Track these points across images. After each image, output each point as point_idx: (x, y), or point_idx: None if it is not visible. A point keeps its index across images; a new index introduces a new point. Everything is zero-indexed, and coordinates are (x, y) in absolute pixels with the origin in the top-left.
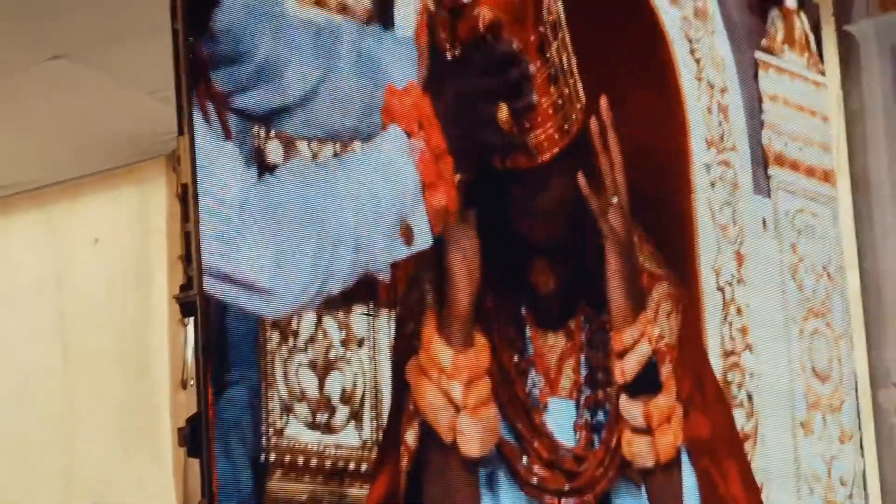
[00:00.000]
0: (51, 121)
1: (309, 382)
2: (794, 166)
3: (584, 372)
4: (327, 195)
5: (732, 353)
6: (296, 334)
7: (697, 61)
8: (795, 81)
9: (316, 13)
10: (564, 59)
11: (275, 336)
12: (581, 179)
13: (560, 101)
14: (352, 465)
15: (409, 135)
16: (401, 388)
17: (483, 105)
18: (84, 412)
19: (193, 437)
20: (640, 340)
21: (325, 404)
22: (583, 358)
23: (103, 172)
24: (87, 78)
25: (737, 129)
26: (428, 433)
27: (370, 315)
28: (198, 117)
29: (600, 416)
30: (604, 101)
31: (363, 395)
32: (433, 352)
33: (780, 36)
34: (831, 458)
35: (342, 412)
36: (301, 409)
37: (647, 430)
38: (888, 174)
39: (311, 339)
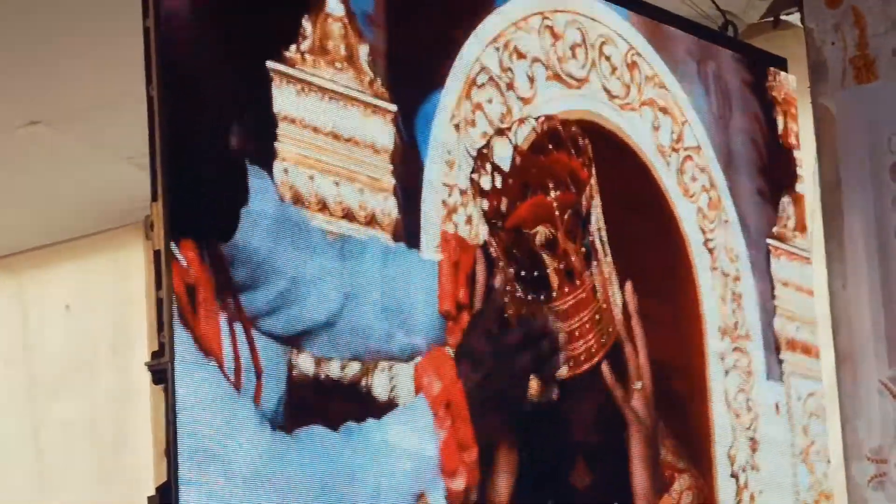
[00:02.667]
0: (25, 186)
1: None
2: (806, 350)
3: None
4: (343, 472)
5: None
6: None
7: (711, 251)
8: (806, 266)
9: (344, 226)
10: (606, 270)
11: None
12: (605, 368)
13: (598, 316)
14: None
15: (435, 415)
16: None
17: (516, 382)
18: (56, 484)
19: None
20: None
21: None
22: None
23: (77, 239)
24: (64, 144)
25: (750, 316)
26: None
27: None
28: (226, 342)
29: None
30: (629, 287)
31: None
32: None
33: (791, 223)
34: None
35: None
36: None
37: None
38: (863, 243)
39: None
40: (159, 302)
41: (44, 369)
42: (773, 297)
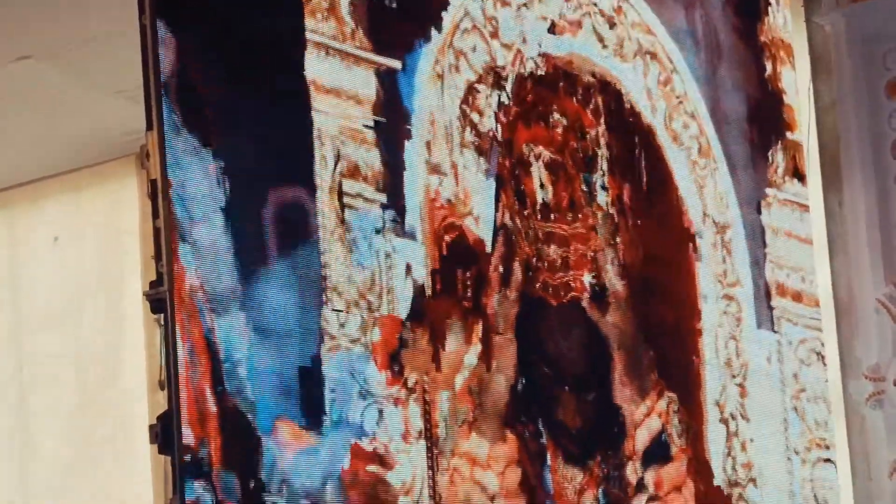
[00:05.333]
0: (18, 121)
1: None
2: (797, 297)
3: None
4: None
5: (737, 484)
6: None
7: (702, 199)
8: (796, 212)
9: None
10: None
11: None
12: (590, 303)
13: (592, 255)
14: None
15: None
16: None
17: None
18: (42, 418)
19: (165, 433)
20: (649, 414)
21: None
22: (600, 492)
23: (69, 173)
24: (55, 78)
25: (740, 263)
26: None
27: None
28: None
29: None
30: (626, 190)
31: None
32: (468, 447)
33: (781, 170)
34: None
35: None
36: None
37: (657, 497)
38: (859, 162)
39: None
40: (157, 231)
41: (32, 303)
42: (764, 244)
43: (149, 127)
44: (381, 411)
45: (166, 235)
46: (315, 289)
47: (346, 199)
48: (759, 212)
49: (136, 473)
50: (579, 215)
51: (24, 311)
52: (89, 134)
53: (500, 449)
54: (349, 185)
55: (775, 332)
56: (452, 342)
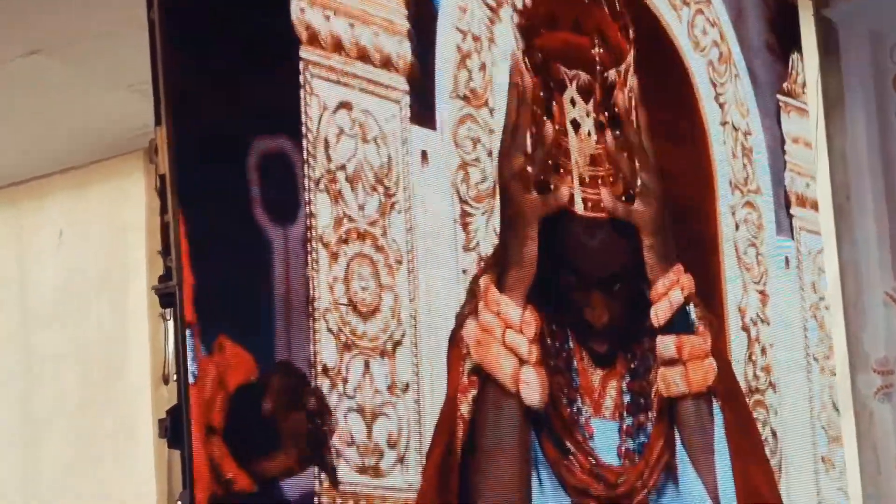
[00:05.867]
0: (26, 116)
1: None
2: (816, 206)
3: (626, 399)
4: None
5: (757, 390)
6: (345, 381)
7: (722, 105)
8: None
9: (360, 67)
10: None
11: (325, 383)
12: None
13: (616, 178)
14: None
15: None
16: (455, 362)
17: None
18: (48, 414)
19: (174, 428)
20: (672, 287)
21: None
22: (624, 386)
23: (75, 169)
24: (64, 73)
25: (760, 171)
26: (486, 389)
27: None
28: None
29: (641, 438)
30: (634, 82)
31: (408, 440)
32: (501, 309)
33: (800, 78)
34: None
35: (389, 456)
36: (351, 453)
37: (679, 361)
38: (866, 156)
39: (359, 386)
40: (165, 226)
41: (38, 299)
42: (784, 152)
43: (157, 122)
44: None
45: (174, 230)
46: None
47: None
48: (778, 120)
49: (138, 471)
50: (607, 135)
51: (29, 306)
52: (97, 129)
53: (530, 315)
54: None
55: (794, 239)
56: None
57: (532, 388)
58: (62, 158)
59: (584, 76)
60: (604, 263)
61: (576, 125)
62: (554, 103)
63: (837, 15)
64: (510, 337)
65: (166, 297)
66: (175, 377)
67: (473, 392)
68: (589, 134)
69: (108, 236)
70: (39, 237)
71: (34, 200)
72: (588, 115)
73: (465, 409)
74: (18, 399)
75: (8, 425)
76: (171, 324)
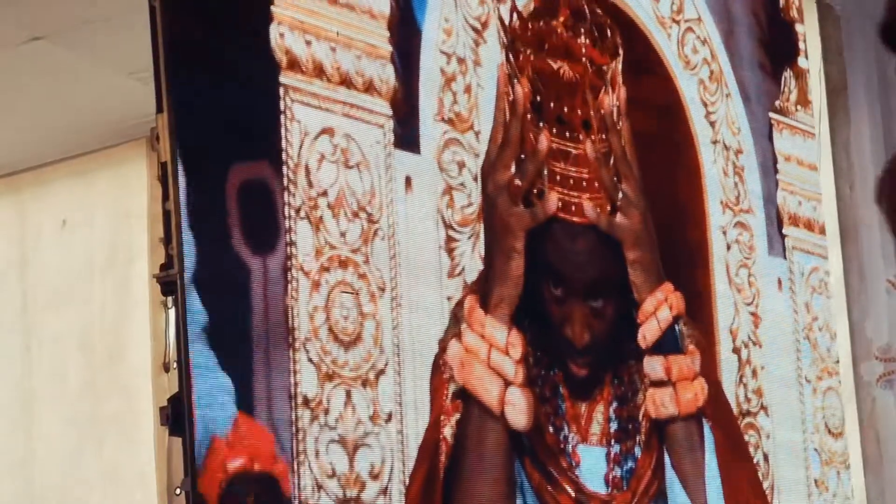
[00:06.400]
0: (28, 103)
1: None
2: (809, 226)
3: (613, 427)
4: None
5: (748, 413)
6: (326, 412)
7: (713, 124)
8: (808, 141)
9: (342, 92)
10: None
11: (306, 414)
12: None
13: (597, 185)
14: None
15: None
16: (439, 387)
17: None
18: (49, 399)
19: (175, 415)
20: (660, 306)
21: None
22: (612, 412)
23: (78, 156)
24: (66, 60)
25: (752, 190)
26: (470, 412)
27: None
28: None
29: (630, 464)
30: (622, 92)
31: (391, 471)
32: (486, 331)
33: (793, 96)
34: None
35: (372, 488)
36: (332, 485)
37: (668, 383)
38: (870, 146)
39: (341, 417)
40: (167, 214)
41: (40, 285)
42: (776, 171)
43: (159, 109)
44: None
45: (176, 218)
46: None
47: None
48: (770, 138)
49: (140, 455)
50: (592, 137)
51: (32, 292)
52: (99, 116)
53: (515, 336)
54: None
55: (787, 259)
56: None
57: (518, 410)
58: (64, 146)
59: (569, 70)
60: (587, 268)
61: (560, 122)
62: (542, 101)
63: (839, 2)
64: (496, 358)
65: (167, 285)
66: (175, 365)
67: (457, 416)
68: (574, 133)
69: (111, 223)
70: (42, 223)
71: (37, 187)
72: (573, 113)
73: (448, 432)
74: (20, 382)
75: (10, 409)
76: (172, 312)
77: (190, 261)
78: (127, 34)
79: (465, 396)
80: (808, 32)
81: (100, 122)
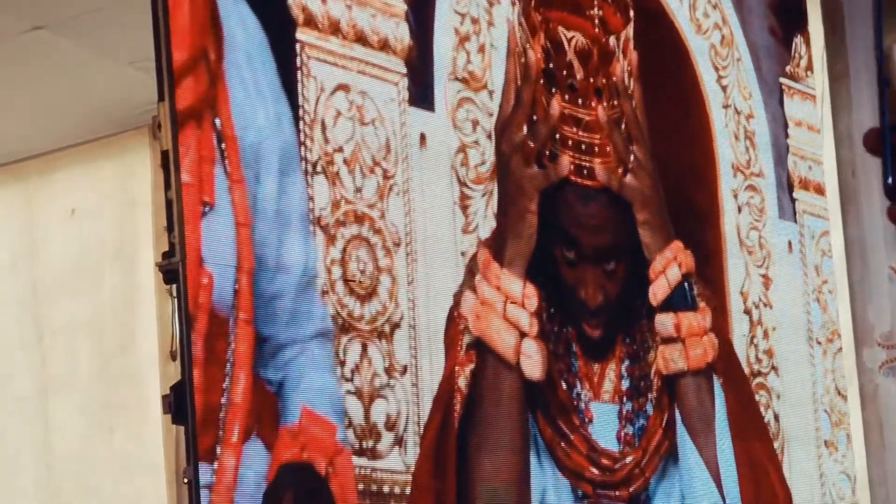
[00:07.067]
0: (30, 92)
1: (355, 410)
2: (819, 190)
3: (625, 385)
4: None
5: (759, 373)
6: (342, 363)
7: (724, 88)
8: (818, 106)
9: (358, 49)
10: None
11: None
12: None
13: (609, 149)
14: (397, 490)
15: None
16: (453, 338)
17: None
18: (60, 387)
19: (178, 404)
20: (669, 265)
21: (371, 431)
22: (624, 370)
23: (82, 144)
24: (68, 49)
25: (763, 154)
26: (485, 363)
27: None
28: None
29: (641, 422)
30: (633, 57)
31: (406, 422)
32: (502, 283)
33: (804, 62)
34: (854, 476)
35: (387, 438)
36: (348, 435)
37: (677, 339)
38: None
39: (357, 368)
40: (168, 202)
41: (49, 274)
42: (787, 135)
43: (160, 98)
44: None
45: (178, 206)
46: None
47: None
48: (781, 103)
49: (150, 443)
50: (604, 104)
51: (41, 281)
52: (101, 105)
53: (531, 289)
54: None
55: (797, 223)
56: None
57: (533, 362)
58: (66, 134)
59: (581, 39)
60: (600, 232)
61: (572, 89)
62: (555, 69)
63: None
64: (511, 310)
65: (170, 273)
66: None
67: (471, 366)
68: (586, 100)
69: (116, 211)
70: (49, 212)
71: (43, 175)
72: (585, 80)
73: (462, 382)
74: (36, 372)
75: (26, 398)
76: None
77: None
78: (128, 23)
79: (479, 347)
80: (811, 20)
81: (101, 110)
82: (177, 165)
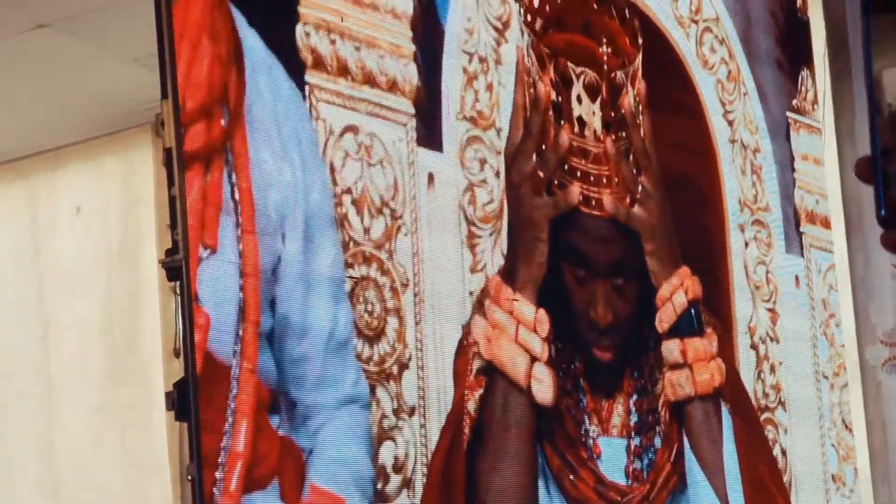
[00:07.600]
0: (34, 90)
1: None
2: (826, 224)
3: (633, 419)
4: None
5: (767, 408)
6: None
7: (731, 123)
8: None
9: (367, 91)
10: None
11: None
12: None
13: (616, 180)
14: None
15: None
16: (462, 367)
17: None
18: (66, 384)
19: (181, 400)
20: (675, 291)
21: (380, 474)
22: (632, 405)
23: (86, 142)
24: (72, 46)
25: (769, 189)
26: (495, 387)
27: None
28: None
29: (649, 456)
30: (641, 86)
31: (415, 464)
32: (514, 307)
33: (810, 95)
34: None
35: (395, 481)
36: None
37: (684, 365)
38: None
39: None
40: (171, 199)
41: (53, 271)
42: (793, 169)
43: (164, 95)
44: None
45: (181, 203)
46: None
47: None
48: (787, 137)
49: (156, 441)
50: (612, 136)
51: (48, 279)
52: (106, 102)
53: (542, 314)
54: None
55: (803, 257)
56: None
57: (544, 386)
58: (70, 132)
59: (591, 74)
60: (609, 243)
61: (581, 123)
62: (563, 103)
63: None
64: (523, 334)
65: (173, 270)
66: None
67: (480, 391)
68: (594, 133)
69: (120, 209)
70: (55, 209)
71: (47, 173)
72: (594, 114)
73: (472, 406)
74: (41, 369)
75: (32, 395)
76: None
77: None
78: (131, 20)
79: (489, 372)
80: (813, 18)
81: (104, 108)
82: (180, 163)
